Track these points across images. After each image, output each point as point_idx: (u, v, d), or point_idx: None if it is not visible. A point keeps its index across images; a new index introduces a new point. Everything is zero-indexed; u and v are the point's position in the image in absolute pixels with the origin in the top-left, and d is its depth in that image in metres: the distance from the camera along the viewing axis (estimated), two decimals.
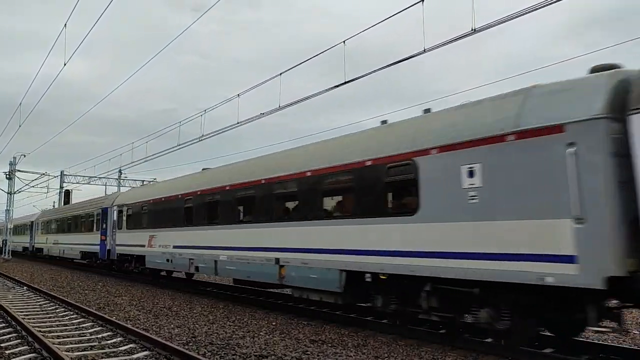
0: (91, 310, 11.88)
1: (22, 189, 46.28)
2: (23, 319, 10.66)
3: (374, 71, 12.68)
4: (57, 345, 8.25)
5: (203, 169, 17.77)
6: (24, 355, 7.96)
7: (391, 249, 8.79)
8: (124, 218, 21.44)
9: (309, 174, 11.05)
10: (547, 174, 6.66)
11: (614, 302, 6.82)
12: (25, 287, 18.28)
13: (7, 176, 43.35)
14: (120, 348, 8.34)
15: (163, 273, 20.67)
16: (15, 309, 12.60)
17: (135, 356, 7.78)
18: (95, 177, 47.16)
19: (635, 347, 8.17)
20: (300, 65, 14.74)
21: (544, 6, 8.98)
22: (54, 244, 33.95)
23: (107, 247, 23.10)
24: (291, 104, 15.70)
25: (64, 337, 9.24)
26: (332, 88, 14.04)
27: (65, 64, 17.03)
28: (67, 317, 11.59)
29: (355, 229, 9.68)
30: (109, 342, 8.84)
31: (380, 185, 9.23)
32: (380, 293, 9.41)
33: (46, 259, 38.07)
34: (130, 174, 50.05)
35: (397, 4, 12.46)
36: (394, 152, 8.97)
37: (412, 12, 10.88)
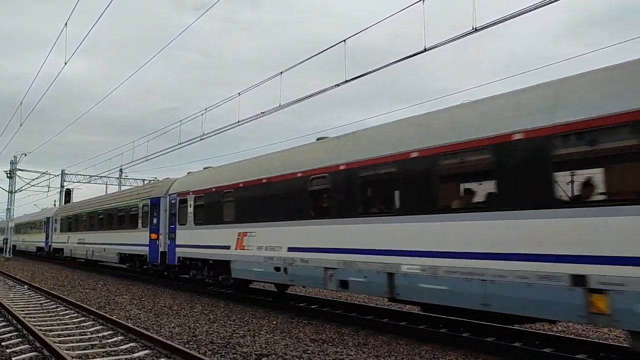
0: (92, 309, 11.89)
1: (23, 188, 46.39)
2: (24, 317, 10.68)
3: (374, 70, 12.67)
4: (58, 344, 8.27)
5: (318, 139, 12.62)
6: (24, 354, 7.97)
7: None
8: (190, 210, 16.38)
9: None
10: None
11: None
12: (26, 286, 18.29)
13: (8, 175, 43.41)
14: (121, 347, 8.36)
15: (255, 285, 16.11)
16: (16, 307, 12.62)
17: (135, 355, 7.79)
18: (96, 176, 47.19)
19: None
20: (301, 64, 14.74)
21: (542, 6, 8.97)
22: (78, 243, 28.27)
23: (161, 249, 18.25)
24: (292, 103, 15.71)
25: (64, 336, 9.26)
26: (332, 87, 14.04)
27: (65, 63, 17.04)
28: (67, 316, 11.61)
29: None
30: (109, 340, 8.85)
31: None
32: None
33: (55, 260, 34.75)
34: (131, 173, 50.04)
35: (398, 3, 12.45)
36: None
37: (412, 12, 10.88)
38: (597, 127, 6.43)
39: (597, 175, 6.72)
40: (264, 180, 12.69)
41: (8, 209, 44.89)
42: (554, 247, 6.66)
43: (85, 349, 8.27)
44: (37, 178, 45.84)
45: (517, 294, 7.04)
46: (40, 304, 13.72)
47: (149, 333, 8.89)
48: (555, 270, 6.64)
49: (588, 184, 6.74)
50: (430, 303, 8.63)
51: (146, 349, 8.13)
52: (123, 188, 47.16)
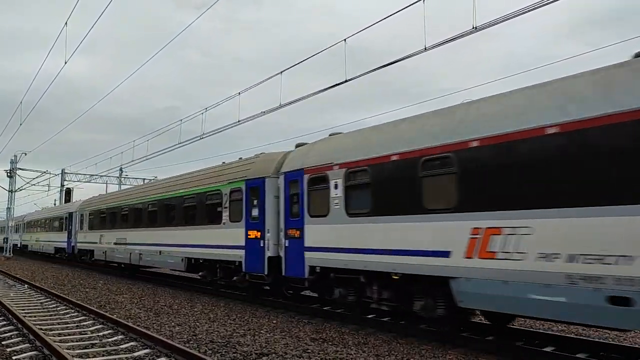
0: (92, 308, 11.89)
1: (23, 187, 46.39)
2: (24, 316, 10.68)
3: (374, 70, 12.67)
4: (58, 343, 8.27)
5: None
6: (25, 353, 7.98)
7: None
8: (338, 194, 10.45)
9: None
10: None
11: None
12: (26, 285, 18.30)
13: (8, 174, 43.41)
14: (121, 346, 8.36)
15: None
16: (17, 306, 12.62)
17: (136, 354, 7.79)
18: (96, 175, 47.18)
19: (636, 345, 8.17)
20: (302, 63, 14.74)
21: (541, 6, 8.97)
22: (117, 244, 22.04)
23: (269, 253, 12.48)
24: (292, 102, 15.70)
25: (65, 335, 9.27)
26: (332, 87, 14.04)
27: (65, 62, 17.03)
28: (68, 315, 11.61)
29: None
30: (109, 340, 8.86)
31: None
32: None
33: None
34: (131, 172, 50.02)
35: (399, 3, 12.45)
36: None
37: (413, 11, 10.88)
38: None
39: None
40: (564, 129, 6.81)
41: (8, 208, 44.91)
42: None
43: (85, 348, 8.27)
44: (37, 177, 45.87)
45: None
46: (41, 303, 13.72)
47: (149, 332, 8.89)
48: None
49: None
50: None
51: (146, 348, 8.14)
52: (124, 187, 47.17)
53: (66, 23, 15.79)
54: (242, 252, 13.30)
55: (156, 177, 44.22)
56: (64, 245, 30.60)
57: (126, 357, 7.65)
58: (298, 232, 11.49)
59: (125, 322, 9.85)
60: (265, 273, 12.36)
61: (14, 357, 7.73)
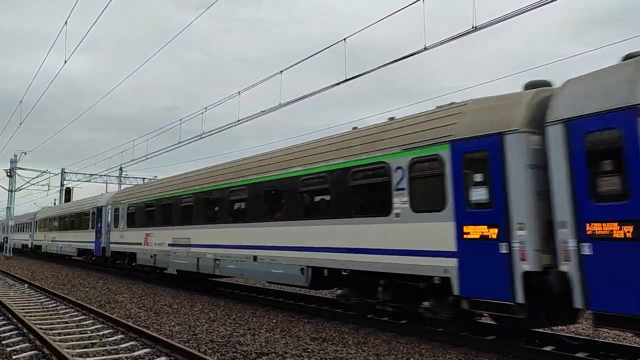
0: (92, 307, 11.90)
1: (23, 187, 46.40)
2: (24, 316, 10.68)
3: (374, 69, 12.66)
4: (59, 343, 8.27)
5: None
6: (25, 352, 7.98)
7: None
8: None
9: None
10: None
11: None
12: (26, 285, 18.30)
13: (8, 174, 43.43)
14: (121, 345, 8.36)
15: None
16: (17, 306, 12.62)
17: (136, 353, 7.80)
18: (96, 174, 47.17)
19: (635, 345, 8.17)
20: (302, 62, 14.73)
21: (539, 6, 8.97)
22: (177, 245, 16.48)
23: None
24: (292, 102, 15.70)
25: (65, 335, 9.27)
26: (332, 86, 14.03)
27: (65, 62, 17.02)
28: (68, 315, 11.62)
29: None
30: (110, 339, 8.86)
31: None
32: None
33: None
34: (131, 171, 49.99)
35: (399, 2, 12.44)
36: None
37: (413, 11, 10.87)
38: None
39: None
40: None
41: (8, 208, 44.94)
42: None
43: (85, 347, 8.27)
44: (37, 177, 45.88)
45: None
46: (41, 302, 13.73)
47: (149, 331, 8.89)
48: None
49: None
50: None
51: (146, 348, 8.14)
52: (124, 186, 47.09)
53: (66, 22, 15.80)
54: (449, 262, 8.14)
55: (156, 176, 44.24)
56: (91, 246, 25.20)
57: (126, 357, 7.65)
58: (628, 229, 6.21)
59: (125, 322, 9.85)
60: (519, 300, 7.14)
61: (14, 357, 7.73)
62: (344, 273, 10.10)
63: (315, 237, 10.85)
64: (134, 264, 20.02)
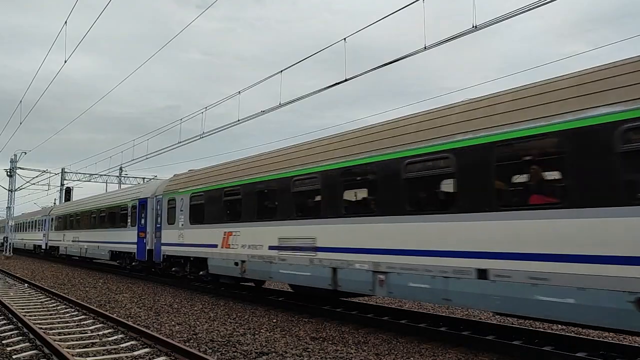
0: (92, 307, 11.90)
1: (23, 187, 46.39)
2: (24, 316, 10.69)
3: (374, 69, 12.66)
4: (59, 342, 8.28)
5: None
6: (25, 352, 7.98)
7: None
8: None
9: None
10: None
11: None
12: (26, 284, 18.31)
13: (8, 173, 43.43)
14: (121, 345, 8.37)
15: None
16: (17, 306, 12.63)
17: (136, 353, 7.80)
18: (97, 174, 47.17)
19: (635, 345, 8.17)
20: (302, 62, 14.73)
21: (538, 6, 8.96)
22: (298, 247, 11.08)
23: None
24: (291, 102, 15.70)
25: (65, 334, 9.27)
26: (331, 86, 14.04)
27: (65, 61, 17.03)
28: (68, 314, 11.62)
29: None
30: (110, 339, 8.87)
31: None
32: None
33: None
34: (131, 171, 49.95)
35: (400, 2, 12.45)
36: None
37: (413, 11, 10.87)
38: None
39: None
40: None
41: (8, 208, 44.94)
42: None
43: (85, 347, 8.28)
44: (37, 176, 45.87)
45: None
46: (41, 302, 13.73)
47: (149, 331, 8.90)
48: None
49: None
50: None
51: (146, 347, 8.14)
52: (124, 186, 47.03)
53: (66, 22, 15.80)
54: None
55: (156, 176, 44.22)
56: (130, 248, 20.40)
57: (126, 356, 7.66)
58: None
59: (125, 321, 9.86)
60: None
61: (14, 356, 7.73)
62: None
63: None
64: (201, 273, 15.25)
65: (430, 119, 8.82)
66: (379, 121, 10.32)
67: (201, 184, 15.59)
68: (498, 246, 7.28)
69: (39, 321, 10.49)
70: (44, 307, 12.75)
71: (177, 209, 16.69)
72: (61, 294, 14.65)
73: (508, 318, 11.03)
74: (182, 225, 16.32)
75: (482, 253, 7.49)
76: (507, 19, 9.61)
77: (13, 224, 44.69)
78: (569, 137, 6.60)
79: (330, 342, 8.75)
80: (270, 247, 12.03)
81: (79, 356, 7.61)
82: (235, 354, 7.77)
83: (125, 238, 20.99)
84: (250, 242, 12.80)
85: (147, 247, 18.73)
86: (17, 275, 21.90)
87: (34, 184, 46.74)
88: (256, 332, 9.51)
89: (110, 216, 23.20)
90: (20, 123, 28.86)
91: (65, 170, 49.60)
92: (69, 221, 30.23)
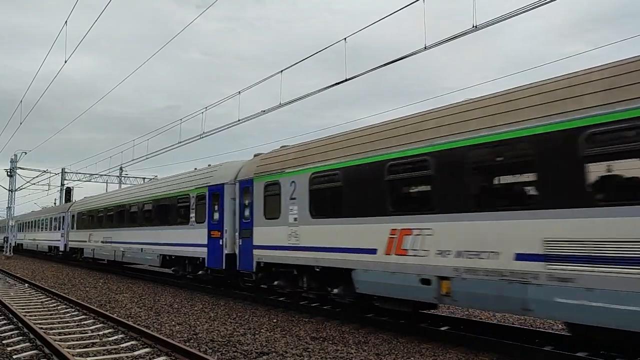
0: (92, 307, 11.90)
1: (23, 187, 46.42)
2: (25, 315, 10.69)
3: (374, 69, 12.66)
4: (59, 342, 8.28)
5: None
6: (25, 352, 7.99)
7: None
8: None
9: None
10: None
11: None
12: (26, 284, 18.32)
13: (9, 173, 43.46)
14: (122, 345, 8.37)
15: None
16: (17, 306, 12.64)
17: (136, 353, 7.80)
18: (97, 174, 47.18)
19: (635, 345, 8.16)
20: (302, 62, 14.72)
21: (538, 6, 8.96)
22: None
23: None
24: (292, 101, 15.70)
25: (65, 334, 9.28)
26: (331, 86, 14.03)
27: (65, 61, 17.04)
28: (68, 314, 11.63)
29: None
30: (110, 339, 8.87)
31: None
32: None
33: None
34: (131, 171, 49.95)
35: (400, 2, 12.46)
36: None
37: (413, 10, 10.87)
38: None
39: None
40: None
41: (8, 208, 44.97)
42: None
43: (85, 347, 8.28)
44: (37, 176, 45.89)
45: None
46: (41, 302, 13.74)
47: (149, 331, 8.90)
48: None
49: None
50: None
51: (146, 347, 8.15)
52: (124, 186, 47.02)
53: (66, 22, 15.80)
54: None
55: (156, 176, 44.19)
56: (196, 252, 15.72)
57: (126, 356, 7.66)
58: None
59: (126, 321, 9.86)
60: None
61: (14, 356, 7.73)
62: None
63: None
64: (336, 291, 10.79)
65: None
66: None
67: (333, 158, 10.67)
68: None
69: (39, 321, 10.49)
70: (44, 307, 12.75)
71: (284, 198, 12.04)
72: (61, 294, 14.65)
73: (508, 318, 11.04)
74: (296, 220, 11.61)
75: None
76: (507, 19, 9.62)
77: (13, 223, 44.69)
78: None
79: (330, 342, 8.75)
80: (521, 257, 7.08)
81: (80, 356, 7.61)
82: (235, 354, 7.77)
83: (186, 239, 16.33)
84: (462, 246, 7.87)
85: (226, 251, 14.18)
86: (18, 275, 21.90)
87: (34, 184, 46.80)
88: (256, 332, 9.52)
89: (160, 210, 18.43)
90: (21, 123, 28.89)
91: (66, 170, 49.65)
92: (97, 218, 25.04)
